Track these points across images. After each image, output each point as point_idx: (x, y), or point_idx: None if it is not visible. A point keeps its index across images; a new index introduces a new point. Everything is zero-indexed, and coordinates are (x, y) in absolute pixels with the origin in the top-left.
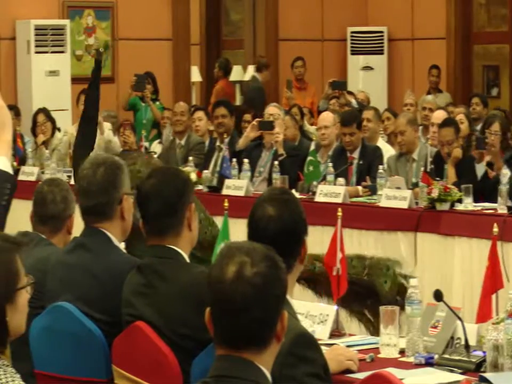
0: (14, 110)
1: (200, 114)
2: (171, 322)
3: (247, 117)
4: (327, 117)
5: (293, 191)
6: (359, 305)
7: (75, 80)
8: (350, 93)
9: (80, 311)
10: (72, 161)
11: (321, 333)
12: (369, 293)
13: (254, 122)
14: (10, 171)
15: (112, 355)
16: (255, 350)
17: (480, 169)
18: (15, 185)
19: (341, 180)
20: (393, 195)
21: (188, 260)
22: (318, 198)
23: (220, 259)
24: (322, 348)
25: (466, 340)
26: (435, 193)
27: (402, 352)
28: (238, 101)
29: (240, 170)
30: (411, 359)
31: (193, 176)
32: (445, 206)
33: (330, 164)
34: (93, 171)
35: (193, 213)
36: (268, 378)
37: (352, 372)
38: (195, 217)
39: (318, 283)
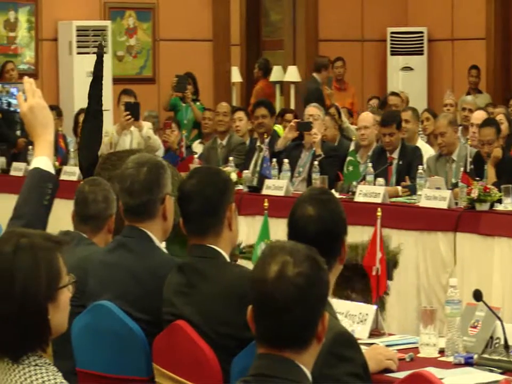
0: (56, 110)
1: (240, 114)
2: (212, 321)
3: (289, 116)
4: (366, 117)
5: (332, 191)
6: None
7: (116, 80)
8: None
9: (121, 309)
10: (79, 158)
11: (360, 332)
12: (357, 276)
13: (292, 123)
14: (52, 171)
15: (153, 353)
16: (295, 349)
17: None
18: (57, 185)
19: (381, 180)
20: (432, 195)
21: (228, 260)
22: (358, 198)
23: (262, 258)
24: (362, 347)
25: (505, 340)
26: (475, 194)
27: (441, 351)
28: (277, 101)
29: (280, 171)
30: (450, 359)
31: (233, 176)
32: (485, 206)
33: (370, 164)
34: (137, 170)
35: (234, 213)
36: (309, 378)
37: (391, 371)
38: (235, 217)
39: None
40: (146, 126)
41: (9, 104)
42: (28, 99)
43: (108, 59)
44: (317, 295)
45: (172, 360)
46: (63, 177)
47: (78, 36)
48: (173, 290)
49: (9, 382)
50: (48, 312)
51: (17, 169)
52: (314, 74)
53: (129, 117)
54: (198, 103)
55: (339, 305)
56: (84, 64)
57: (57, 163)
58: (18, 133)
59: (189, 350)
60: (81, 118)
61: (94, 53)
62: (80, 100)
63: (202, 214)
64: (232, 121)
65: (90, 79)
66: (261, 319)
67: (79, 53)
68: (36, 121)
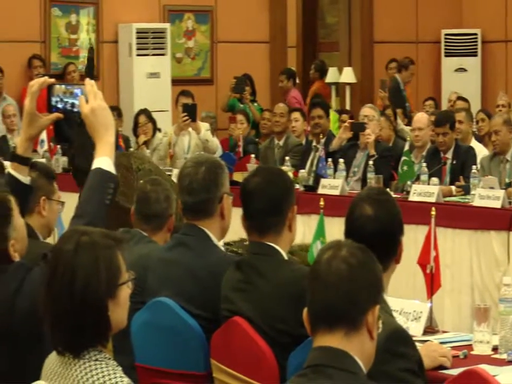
0: (117, 111)
1: (296, 115)
2: (269, 318)
3: (345, 117)
4: (421, 119)
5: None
6: None
7: (175, 81)
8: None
9: (179, 306)
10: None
11: (415, 329)
12: None
13: (346, 123)
14: (114, 171)
15: (211, 349)
16: (346, 329)
17: None
18: (118, 185)
19: (435, 180)
20: (486, 195)
21: (286, 258)
22: (412, 197)
23: (320, 253)
24: (416, 344)
25: None
26: None
27: (495, 349)
28: (333, 101)
29: (335, 170)
30: (504, 356)
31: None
32: None
33: (424, 164)
34: (195, 170)
35: (295, 215)
36: (363, 369)
37: (445, 368)
38: (295, 218)
39: None
40: (204, 127)
41: (72, 105)
42: (90, 101)
43: (167, 60)
44: (367, 279)
45: (229, 355)
46: None
47: (137, 38)
48: (231, 286)
49: (70, 376)
50: (108, 308)
51: None
52: (396, 75)
53: (187, 118)
54: (255, 104)
55: (394, 303)
56: (143, 66)
57: None
58: None
59: (246, 345)
60: (140, 118)
61: (153, 54)
62: (140, 101)
63: (265, 213)
64: (288, 122)
65: (150, 80)
66: (312, 296)
67: (138, 55)
68: (97, 122)
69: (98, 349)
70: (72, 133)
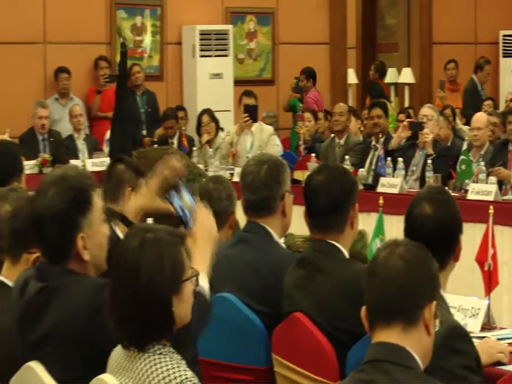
0: (183, 111)
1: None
2: (328, 316)
3: (401, 116)
4: (480, 119)
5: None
6: None
7: (237, 82)
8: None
9: (241, 301)
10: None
11: (472, 326)
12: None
13: (405, 122)
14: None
15: (272, 344)
16: (402, 324)
17: None
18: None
19: (492, 179)
20: None
21: (347, 256)
22: (470, 196)
23: (377, 251)
24: (474, 340)
25: None
26: None
27: None
28: (393, 102)
29: (394, 169)
30: None
31: None
32: None
33: (482, 163)
34: (258, 168)
35: (357, 212)
36: (420, 364)
37: (503, 364)
38: (357, 216)
39: None
40: (269, 131)
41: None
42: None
43: (229, 61)
44: (424, 275)
45: (290, 350)
46: None
47: (201, 39)
48: (292, 283)
49: (135, 369)
50: (172, 304)
51: None
52: (473, 76)
53: (248, 118)
54: None
55: (452, 299)
56: (206, 67)
57: None
58: (144, 132)
59: (307, 341)
60: (204, 118)
61: (216, 55)
62: (203, 101)
63: (328, 211)
64: (348, 121)
65: (213, 81)
66: (370, 292)
67: (202, 56)
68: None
69: (162, 343)
70: (137, 132)
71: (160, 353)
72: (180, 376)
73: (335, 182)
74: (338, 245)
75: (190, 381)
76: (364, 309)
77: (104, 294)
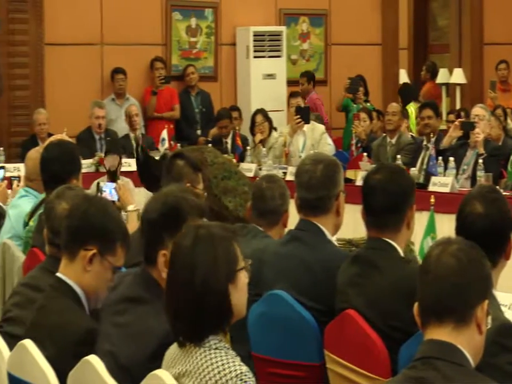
0: (238, 111)
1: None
2: (382, 313)
3: (451, 117)
4: None
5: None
6: None
7: (290, 82)
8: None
9: (294, 298)
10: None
11: None
12: None
13: (456, 122)
14: None
15: (324, 340)
16: (454, 323)
17: None
18: None
19: None
20: None
21: (402, 255)
22: None
23: (430, 249)
24: None
25: None
26: None
27: None
28: (444, 102)
29: (445, 168)
30: None
31: None
32: None
33: None
34: (314, 167)
35: (414, 213)
36: (471, 362)
37: None
38: (414, 216)
39: None
40: (321, 130)
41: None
42: None
43: (283, 62)
44: (476, 274)
45: (342, 347)
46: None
47: (254, 40)
48: (347, 280)
49: (191, 363)
50: (229, 292)
51: None
52: None
53: (300, 120)
54: (368, 104)
55: (503, 297)
56: (260, 67)
57: (234, 160)
58: (198, 132)
59: (359, 338)
60: (257, 118)
61: (269, 56)
62: (256, 101)
63: (385, 210)
64: (400, 120)
65: (266, 81)
66: (423, 290)
67: (255, 57)
68: None
69: (218, 337)
70: (191, 132)
71: (216, 348)
72: (235, 370)
73: (393, 181)
74: (394, 244)
75: (245, 375)
76: (416, 305)
77: None
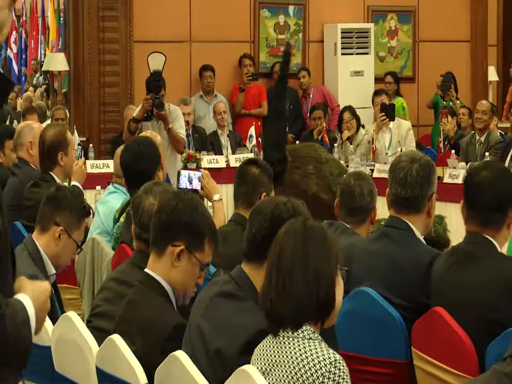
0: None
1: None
2: (481, 305)
3: None
4: None
5: None
6: None
7: (378, 80)
8: None
9: (381, 296)
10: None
11: None
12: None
13: None
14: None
15: (412, 338)
16: None
17: None
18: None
19: None
20: None
21: (501, 252)
22: None
23: None
24: None
25: None
26: None
27: None
28: None
29: None
30: None
31: None
32: None
33: None
34: (410, 165)
35: None
36: None
37: None
38: None
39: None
40: (407, 126)
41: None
42: None
43: (370, 59)
44: None
45: (430, 344)
46: None
47: (342, 37)
48: (444, 272)
49: (283, 354)
50: (335, 284)
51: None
52: None
53: (385, 117)
54: (458, 101)
55: None
56: (347, 64)
57: None
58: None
59: (447, 335)
60: (345, 115)
61: (357, 53)
62: (344, 98)
63: (490, 207)
64: (490, 119)
65: (354, 78)
66: None
67: (343, 54)
68: None
69: (312, 329)
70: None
71: (310, 338)
72: (330, 358)
73: (502, 180)
74: (494, 241)
75: (339, 363)
76: None
77: None
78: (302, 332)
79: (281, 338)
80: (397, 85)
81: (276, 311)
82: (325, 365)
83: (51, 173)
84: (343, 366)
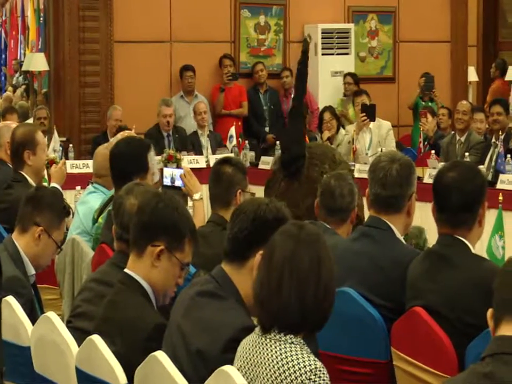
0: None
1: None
2: (457, 309)
3: None
4: None
5: None
6: None
7: (359, 80)
8: None
9: (362, 296)
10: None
11: None
12: None
13: None
14: None
15: (391, 338)
16: None
17: None
18: None
19: None
20: None
21: (474, 252)
22: None
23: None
24: None
25: None
26: None
27: None
28: None
29: None
30: None
31: None
32: None
33: None
34: (390, 165)
35: (485, 211)
36: None
37: None
38: (485, 214)
39: None
40: (387, 127)
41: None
42: None
43: (351, 59)
44: None
45: (410, 344)
46: None
47: (323, 38)
48: (419, 275)
49: (264, 355)
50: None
51: (265, 162)
52: None
53: (365, 118)
54: (437, 100)
55: None
56: (328, 64)
57: None
58: (267, 129)
59: (426, 335)
60: (325, 115)
61: (337, 54)
62: (325, 98)
63: (459, 208)
64: (471, 119)
65: (335, 78)
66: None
67: (323, 54)
68: None
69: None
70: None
71: (292, 343)
72: (310, 365)
73: (469, 180)
74: (466, 241)
75: (320, 370)
76: (490, 311)
77: None
78: (285, 335)
79: (263, 339)
80: (357, 86)
81: (267, 315)
82: (305, 372)
83: (22, 173)
84: (323, 374)
